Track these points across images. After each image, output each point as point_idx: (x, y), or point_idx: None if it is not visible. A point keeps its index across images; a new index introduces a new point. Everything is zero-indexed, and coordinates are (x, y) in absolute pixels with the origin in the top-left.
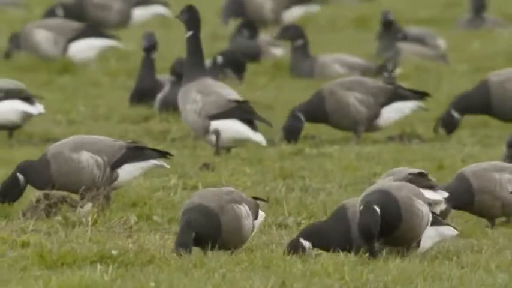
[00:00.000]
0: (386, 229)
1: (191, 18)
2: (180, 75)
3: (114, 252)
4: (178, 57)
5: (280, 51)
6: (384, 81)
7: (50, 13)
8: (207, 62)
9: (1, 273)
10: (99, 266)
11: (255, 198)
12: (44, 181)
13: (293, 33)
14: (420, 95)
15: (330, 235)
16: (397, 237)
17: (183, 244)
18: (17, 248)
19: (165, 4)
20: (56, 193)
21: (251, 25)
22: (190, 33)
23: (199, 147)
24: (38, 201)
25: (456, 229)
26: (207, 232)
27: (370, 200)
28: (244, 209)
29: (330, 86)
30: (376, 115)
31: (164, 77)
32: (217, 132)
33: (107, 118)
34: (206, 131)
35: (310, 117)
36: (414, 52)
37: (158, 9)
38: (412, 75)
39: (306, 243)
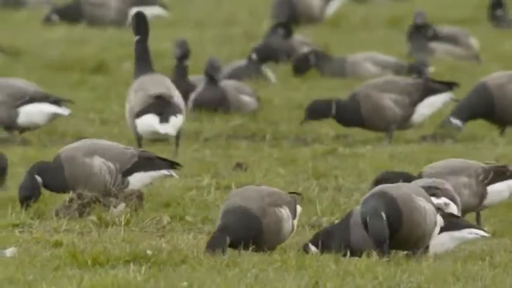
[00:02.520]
0: (392, 229)
1: (138, 24)
2: (211, 75)
3: (147, 252)
4: (210, 57)
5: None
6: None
7: (47, 20)
8: (243, 61)
9: (34, 273)
10: (132, 266)
11: (291, 193)
12: (59, 184)
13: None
14: (450, 86)
15: (332, 240)
16: (403, 237)
17: (213, 247)
18: (49, 247)
19: (163, 5)
20: (89, 193)
21: (286, 25)
22: (137, 37)
23: (233, 147)
24: (71, 200)
25: (484, 230)
26: (247, 235)
27: (371, 207)
28: (285, 212)
29: (364, 89)
30: (411, 113)
31: (196, 77)
32: (137, 133)
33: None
34: (135, 129)
35: (344, 120)
36: (447, 52)
37: (156, 10)
38: (444, 75)
39: (313, 248)
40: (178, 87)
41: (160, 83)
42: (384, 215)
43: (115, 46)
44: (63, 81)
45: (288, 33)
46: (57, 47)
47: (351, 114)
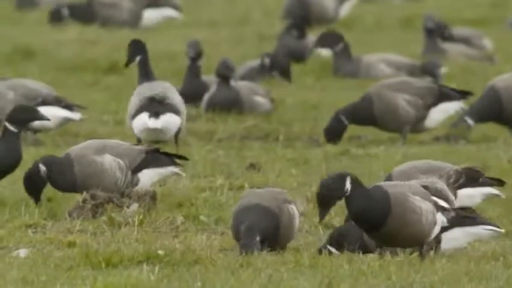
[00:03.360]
0: (375, 222)
1: (134, 49)
2: (225, 76)
3: (160, 252)
4: (223, 58)
5: (327, 52)
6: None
7: (55, 13)
8: (257, 62)
9: (47, 273)
10: (145, 266)
11: None
12: (67, 182)
13: (331, 41)
14: (463, 95)
15: (348, 240)
16: (390, 234)
17: (249, 247)
18: (63, 248)
19: (176, 7)
20: (103, 193)
21: (300, 25)
22: (138, 58)
23: (246, 147)
24: (84, 201)
25: (498, 227)
26: (269, 233)
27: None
28: (295, 209)
29: (377, 88)
30: (424, 116)
31: (210, 78)
32: (136, 135)
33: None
34: (133, 131)
35: (357, 120)
36: (460, 53)
37: (169, 12)
38: (457, 76)
39: (334, 250)
40: (191, 87)
41: (159, 86)
42: (347, 182)
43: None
44: (77, 82)
45: (302, 34)
46: (70, 48)
47: (364, 114)
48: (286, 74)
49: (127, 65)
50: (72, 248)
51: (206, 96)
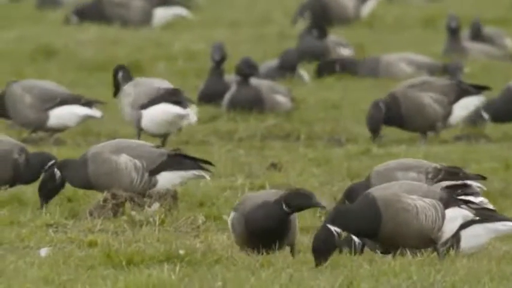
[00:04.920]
0: (369, 231)
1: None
2: (245, 74)
3: (181, 251)
4: (243, 57)
5: (348, 52)
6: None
7: (66, 21)
8: (274, 62)
9: (68, 273)
10: (166, 266)
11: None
12: (81, 179)
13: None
14: (480, 90)
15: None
16: (389, 237)
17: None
18: (84, 247)
19: (186, 6)
20: (124, 193)
21: (320, 25)
22: (120, 73)
23: (267, 147)
24: (105, 200)
25: None
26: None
27: (338, 213)
28: None
29: (402, 89)
30: (449, 113)
31: (231, 77)
32: (139, 123)
33: None
34: (139, 122)
35: (385, 121)
36: (481, 52)
37: (179, 10)
38: (478, 75)
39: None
40: (213, 86)
41: (163, 81)
42: (333, 230)
43: (149, 46)
44: (97, 82)
45: (322, 34)
46: (91, 47)
47: (391, 114)
48: (292, 72)
49: (115, 95)
50: (93, 248)
51: (227, 96)
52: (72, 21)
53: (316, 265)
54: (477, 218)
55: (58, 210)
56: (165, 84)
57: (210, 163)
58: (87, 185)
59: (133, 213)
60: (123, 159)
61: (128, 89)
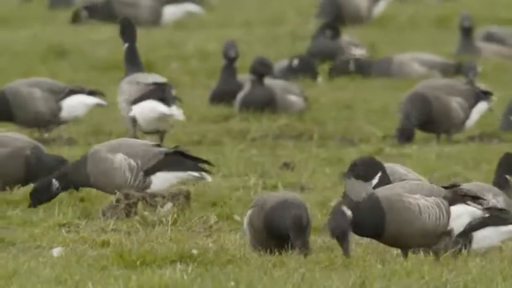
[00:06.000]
0: (374, 230)
1: (123, 31)
2: (261, 74)
3: (194, 251)
4: (257, 56)
5: (361, 51)
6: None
7: (75, 15)
8: (284, 63)
9: (81, 273)
10: (178, 266)
11: None
12: (81, 178)
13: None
14: (488, 94)
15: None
16: (396, 236)
17: (307, 244)
18: (96, 247)
19: (196, 2)
20: (136, 193)
21: (333, 26)
22: (126, 45)
23: (280, 146)
24: (118, 200)
25: None
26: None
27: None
28: None
29: (431, 91)
30: (468, 117)
31: (244, 76)
32: (133, 119)
33: (187, 118)
34: (131, 118)
35: (418, 123)
36: (494, 52)
37: (189, 7)
38: (491, 75)
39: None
40: (226, 86)
41: (154, 76)
42: (347, 212)
43: (162, 46)
44: (110, 81)
45: (336, 34)
46: (103, 47)
47: (423, 116)
48: (312, 76)
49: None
50: (106, 248)
51: (240, 95)
52: (82, 17)
53: (345, 252)
54: (487, 215)
55: (71, 210)
56: (156, 79)
57: (209, 163)
58: (87, 183)
59: (146, 213)
60: (119, 158)
61: (123, 85)
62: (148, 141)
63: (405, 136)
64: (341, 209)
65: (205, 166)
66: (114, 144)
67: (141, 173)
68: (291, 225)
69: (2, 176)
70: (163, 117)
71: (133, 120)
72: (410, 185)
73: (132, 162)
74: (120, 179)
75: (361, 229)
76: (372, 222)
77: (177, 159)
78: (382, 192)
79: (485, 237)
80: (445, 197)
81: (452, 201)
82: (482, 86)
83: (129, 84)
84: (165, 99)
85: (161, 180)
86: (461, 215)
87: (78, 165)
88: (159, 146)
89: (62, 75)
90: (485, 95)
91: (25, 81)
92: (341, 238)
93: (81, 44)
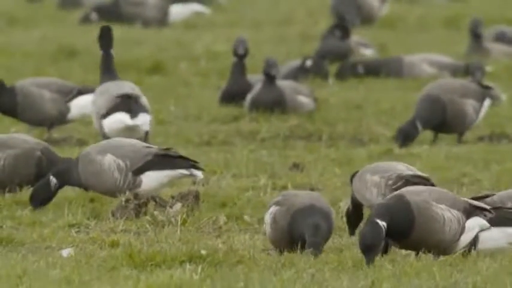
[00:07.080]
0: (400, 233)
1: (101, 38)
2: (270, 75)
3: (203, 252)
4: (268, 57)
5: (370, 52)
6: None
7: (85, 19)
8: (297, 63)
9: (90, 273)
10: (188, 266)
11: None
12: (75, 180)
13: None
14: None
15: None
16: (415, 243)
17: (319, 245)
18: (106, 248)
19: (203, 2)
20: (145, 193)
21: (343, 26)
22: (101, 52)
23: (289, 147)
24: (127, 201)
25: None
26: (328, 235)
27: (382, 208)
28: None
29: (445, 93)
30: (478, 117)
31: (254, 77)
32: (104, 134)
33: (197, 118)
34: (102, 130)
35: (430, 126)
36: (504, 52)
37: (195, 7)
38: (501, 75)
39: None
40: (237, 86)
41: (125, 86)
42: (382, 228)
43: (171, 46)
44: None
45: (345, 35)
46: (113, 48)
47: (436, 118)
48: (324, 77)
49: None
50: (115, 248)
51: (249, 96)
52: (92, 19)
53: (368, 263)
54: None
55: (80, 210)
56: (125, 90)
57: (197, 163)
58: (79, 184)
59: (155, 213)
60: (108, 159)
61: (94, 96)
62: (139, 141)
63: (405, 138)
64: (375, 221)
65: (197, 164)
66: (104, 145)
67: (130, 174)
68: (310, 231)
69: (14, 177)
70: (128, 128)
71: (104, 135)
72: (436, 193)
73: (121, 163)
74: (110, 180)
75: (392, 229)
76: (401, 226)
77: (167, 159)
78: (411, 197)
79: (492, 239)
80: (464, 211)
81: (468, 215)
82: (487, 83)
83: (100, 96)
84: (131, 110)
85: (151, 180)
86: (473, 228)
87: (71, 166)
88: (148, 146)
89: (72, 76)
90: (487, 89)
91: (35, 81)
92: (370, 254)
93: (91, 44)
